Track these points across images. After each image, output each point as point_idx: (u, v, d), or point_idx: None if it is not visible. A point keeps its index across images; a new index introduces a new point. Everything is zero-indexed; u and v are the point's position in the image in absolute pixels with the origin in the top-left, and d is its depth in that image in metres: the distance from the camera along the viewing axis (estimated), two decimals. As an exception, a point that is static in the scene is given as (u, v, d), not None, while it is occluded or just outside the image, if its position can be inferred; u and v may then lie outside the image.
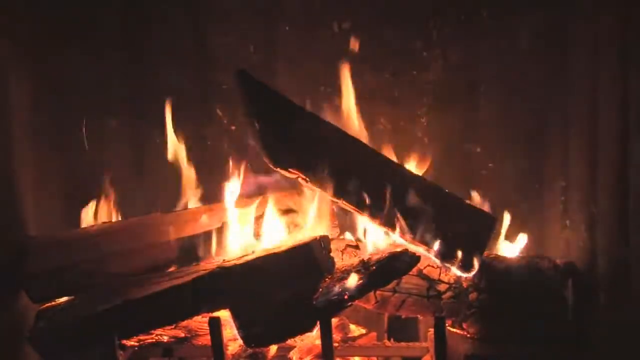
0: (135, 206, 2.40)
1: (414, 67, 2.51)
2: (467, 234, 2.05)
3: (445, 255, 2.03)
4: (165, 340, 2.12)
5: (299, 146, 2.05)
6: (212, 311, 1.99)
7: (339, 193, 2.06)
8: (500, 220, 2.22)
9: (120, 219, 2.33)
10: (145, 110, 2.54)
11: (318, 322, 1.96)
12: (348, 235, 2.25)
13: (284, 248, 1.99)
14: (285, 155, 2.05)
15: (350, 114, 2.22)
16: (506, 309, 2.08)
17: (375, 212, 2.05)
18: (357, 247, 2.18)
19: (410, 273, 2.05)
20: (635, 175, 1.93)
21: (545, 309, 2.07)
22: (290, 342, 2.06)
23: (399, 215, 2.03)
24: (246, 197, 2.25)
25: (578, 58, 2.27)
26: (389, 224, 2.05)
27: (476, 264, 2.03)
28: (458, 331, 2.12)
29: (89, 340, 1.94)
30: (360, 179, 2.05)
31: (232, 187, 2.24)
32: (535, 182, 2.50)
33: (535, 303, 2.07)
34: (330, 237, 2.10)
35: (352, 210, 2.10)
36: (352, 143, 2.10)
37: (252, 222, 2.21)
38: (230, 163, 2.29)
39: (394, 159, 2.19)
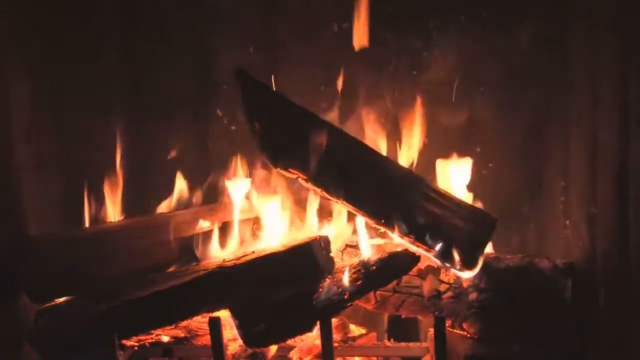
0: (136, 206, 2.40)
1: (414, 67, 2.51)
2: (467, 234, 2.04)
3: (446, 256, 2.03)
4: (165, 340, 2.12)
5: (299, 146, 2.05)
6: (212, 311, 1.99)
7: (339, 193, 2.06)
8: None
9: (120, 218, 2.33)
10: (146, 110, 2.54)
11: (318, 322, 1.96)
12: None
13: (284, 248, 1.99)
14: (285, 155, 2.05)
15: (350, 115, 2.23)
16: (506, 309, 2.08)
17: (375, 212, 2.05)
18: (357, 247, 2.18)
19: (410, 273, 2.06)
20: (635, 175, 1.93)
21: (545, 309, 2.07)
22: (290, 342, 2.06)
23: (399, 216, 2.02)
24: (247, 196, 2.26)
25: (578, 58, 2.27)
26: (390, 224, 2.05)
27: (477, 264, 2.03)
28: (458, 331, 2.13)
29: (89, 340, 1.94)
30: (361, 179, 2.05)
31: (234, 187, 2.25)
32: (535, 182, 2.50)
33: (535, 303, 2.07)
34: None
35: (352, 211, 2.10)
36: (352, 143, 2.10)
37: (252, 222, 2.22)
38: (231, 163, 2.30)
39: (394, 159, 2.19)
